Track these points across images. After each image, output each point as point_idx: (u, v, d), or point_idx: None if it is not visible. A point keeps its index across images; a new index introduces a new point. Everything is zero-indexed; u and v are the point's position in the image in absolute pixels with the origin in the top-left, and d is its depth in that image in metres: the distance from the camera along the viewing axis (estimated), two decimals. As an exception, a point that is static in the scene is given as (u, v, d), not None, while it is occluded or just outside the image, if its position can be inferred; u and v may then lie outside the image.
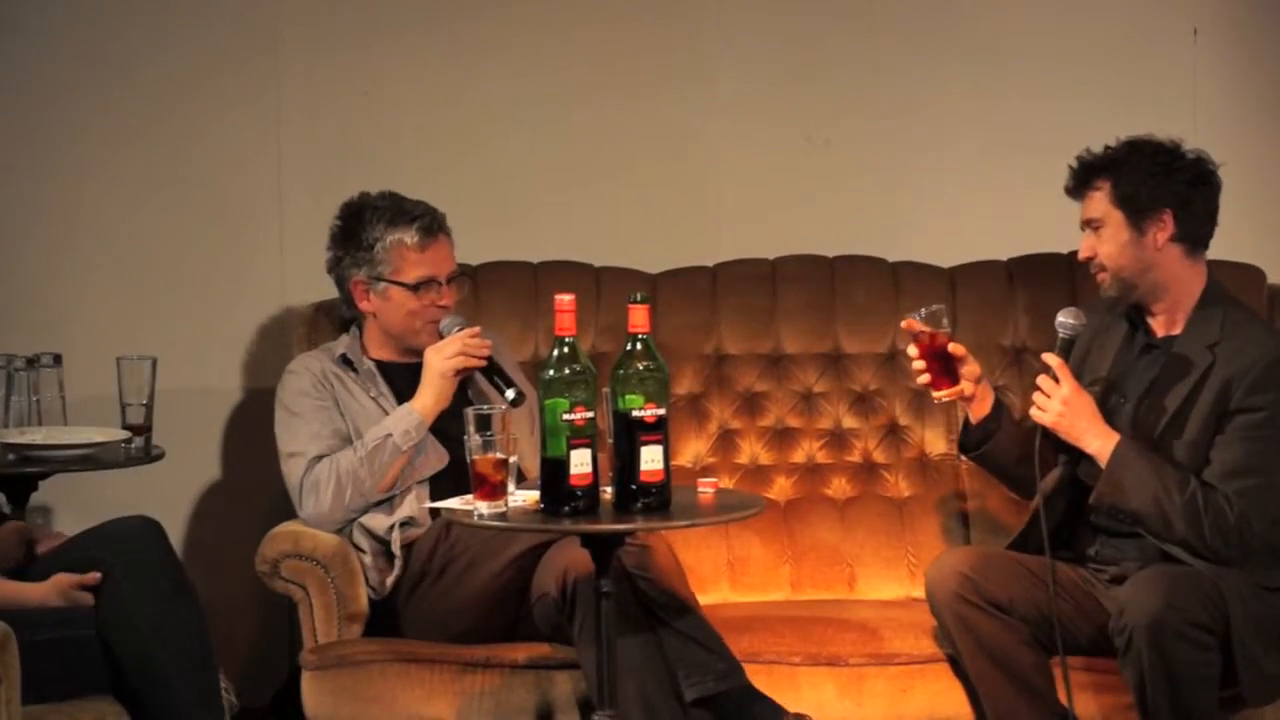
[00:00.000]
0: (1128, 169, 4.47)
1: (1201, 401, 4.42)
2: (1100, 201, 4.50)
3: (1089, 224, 4.52)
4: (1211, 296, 4.51)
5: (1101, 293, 4.54)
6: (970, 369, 4.52)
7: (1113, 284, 4.51)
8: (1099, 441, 4.41)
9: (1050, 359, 4.45)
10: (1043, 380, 4.46)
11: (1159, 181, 4.46)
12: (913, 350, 4.51)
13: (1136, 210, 4.47)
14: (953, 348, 4.48)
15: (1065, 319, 4.46)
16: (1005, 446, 4.59)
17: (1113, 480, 4.39)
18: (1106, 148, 4.53)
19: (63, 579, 4.14)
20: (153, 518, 4.26)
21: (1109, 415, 4.48)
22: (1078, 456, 4.50)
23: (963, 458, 4.81)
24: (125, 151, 5.40)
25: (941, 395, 4.52)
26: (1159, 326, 4.55)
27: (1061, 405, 4.42)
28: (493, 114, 5.53)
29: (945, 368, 4.51)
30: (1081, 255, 4.54)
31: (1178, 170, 4.48)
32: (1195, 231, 4.50)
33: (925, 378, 4.50)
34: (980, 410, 4.57)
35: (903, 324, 4.53)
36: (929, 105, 5.58)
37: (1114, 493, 4.39)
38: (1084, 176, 4.52)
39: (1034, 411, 4.46)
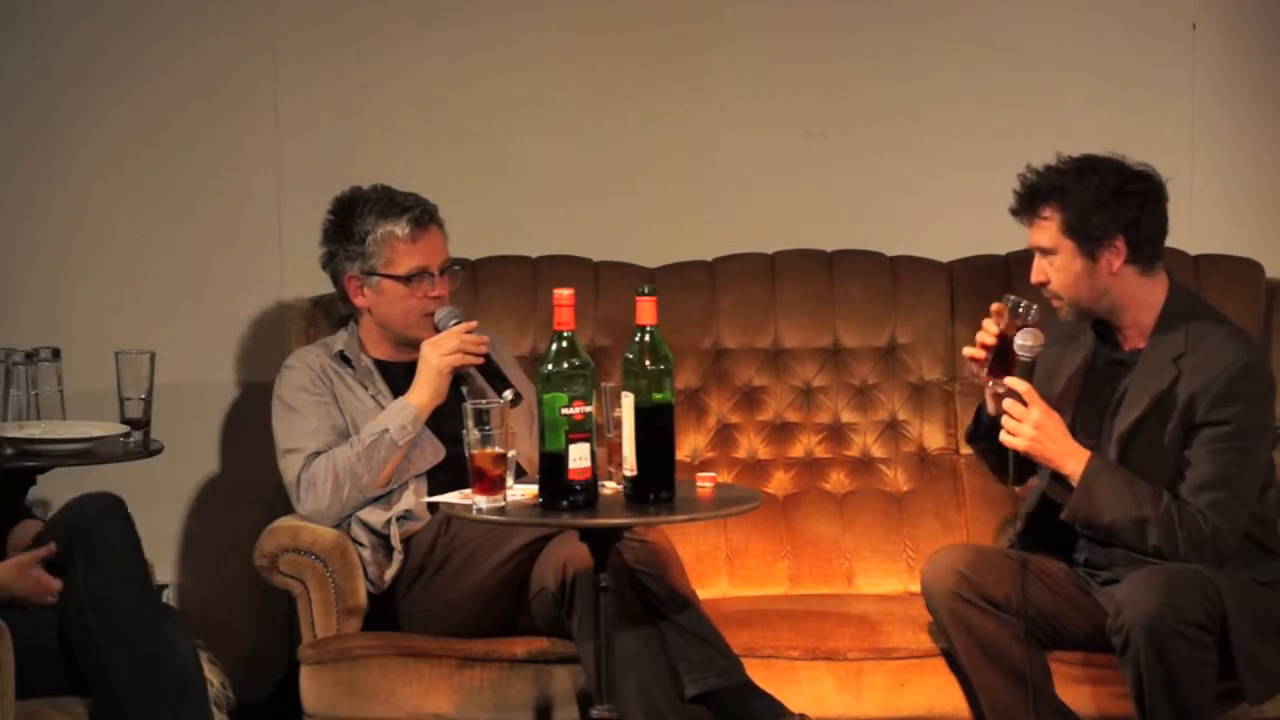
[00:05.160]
0: (1075, 196, 4.37)
1: (1168, 415, 4.38)
2: (1049, 230, 4.40)
3: (1039, 251, 4.44)
4: (1175, 306, 4.45)
5: (1059, 317, 4.49)
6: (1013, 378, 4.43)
7: (1069, 310, 4.46)
8: (1073, 461, 4.38)
9: (1017, 384, 4.38)
10: (1011, 405, 4.39)
11: (1108, 208, 4.37)
12: (992, 326, 4.38)
13: (1087, 239, 4.38)
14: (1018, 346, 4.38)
15: (1024, 341, 4.39)
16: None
17: (1086, 496, 4.36)
18: (1049, 168, 4.43)
19: (24, 558, 4.05)
20: (115, 496, 4.19)
21: (1076, 432, 4.44)
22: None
23: (963, 451, 4.77)
24: (124, 147, 5.40)
25: (994, 383, 4.39)
26: (1125, 340, 4.51)
27: (1034, 430, 4.38)
28: (491, 109, 5.52)
29: (1002, 361, 4.40)
30: (1034, 280, 4.46)
31: (1127, 194, 4.39)
32: (1147, 251, 4.43)
33: (980, 353, 4.39)
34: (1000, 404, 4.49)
35: (993, 307, 4.41)
36: (927, 99, 5.57)
37: (1087, 508, 4.37)
38: (1030, 202, 4.43)
39: (1004, 437, 4.41)
